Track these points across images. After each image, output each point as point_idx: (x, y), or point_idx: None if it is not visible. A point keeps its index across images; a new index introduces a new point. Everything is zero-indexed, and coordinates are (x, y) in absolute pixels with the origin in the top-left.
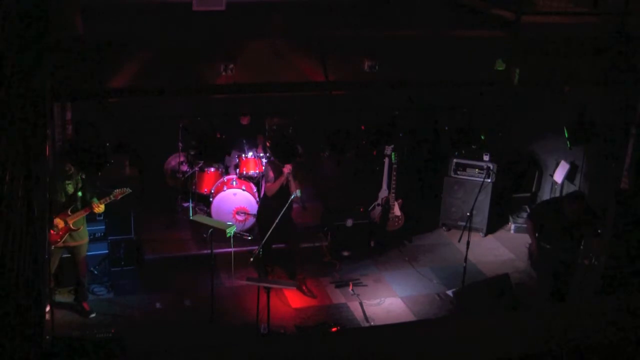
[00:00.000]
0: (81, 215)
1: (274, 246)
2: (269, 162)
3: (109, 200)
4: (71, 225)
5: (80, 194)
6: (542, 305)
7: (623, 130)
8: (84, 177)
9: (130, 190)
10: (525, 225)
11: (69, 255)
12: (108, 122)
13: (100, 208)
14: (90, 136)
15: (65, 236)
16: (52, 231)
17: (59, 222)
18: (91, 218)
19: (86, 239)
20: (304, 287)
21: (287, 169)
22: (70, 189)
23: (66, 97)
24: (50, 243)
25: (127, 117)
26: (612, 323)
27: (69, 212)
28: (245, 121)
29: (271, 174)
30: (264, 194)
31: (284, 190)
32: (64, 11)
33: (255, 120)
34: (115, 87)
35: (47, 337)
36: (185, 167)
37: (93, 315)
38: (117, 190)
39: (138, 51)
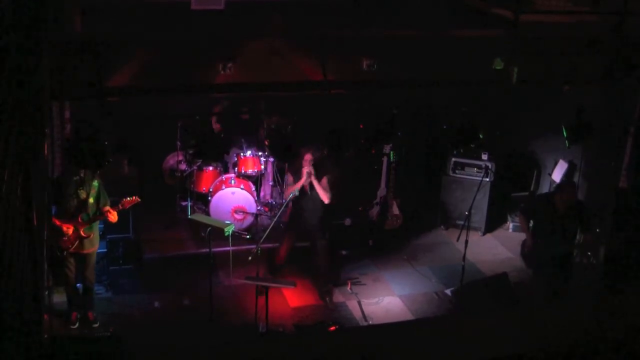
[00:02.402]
0: (91, 222)
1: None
2: (288, 169)
3: (117, 210)
4: (82, 232)
5: (92, 200)
6: (541, 304)
7: (622, 129)
8: (97, 184)
9: (139, 200)
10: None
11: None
12: (107, 122)
13: (114, 216)
14: (89, 135)
15: (76, 243)
16: (63, 238)
17: (69, 228)
18: None
19: (97, 246)
20: (327, 298)
21: (307, 167)
22: (82, 194)
23: (65, 97)
24: (62, 249)
25: (126, 117)
26: (611, 322)
27: (80, 219)
28: (244, 117)
29: (290, 179)
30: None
31: (309, 191)
32: (63, 10)
33: (255, 115)
34: (114, 86)
35: (46, 336)
36: (183, 166)
37: (96, 325)
38: (125, 199)
39: (137, 50)
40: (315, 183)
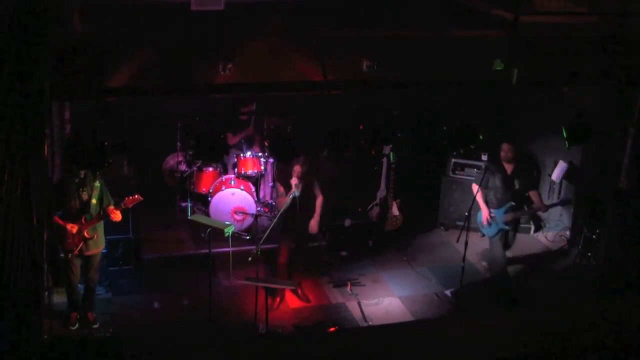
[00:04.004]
0: (94, 223)
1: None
2: (277, 180)
3: (119, 209)
4: (85, 234)
5: (94, 201)
6: (540, 305)
7: (621, 130)
8: (99, 184)
9: (142, 198)
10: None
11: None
12: (106, 122)
13: (117, 215)
14: (89, 135)
15: (81, 244)
16: (67, 240)
17: (73, 230)
18: None
19: (102, 247)
20: (299, 291)
21: (294, 180)
22: (84, 196)
23: (65, 97)
24: (67, 251)
25: (126, 117)
26: (611, 323)
27: (83, 221)
28: (247, 109)
29: (281, 189)
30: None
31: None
32: (62, 10)
33: (255, 112)
34: (113, 86)
35: (45, 336)
36: (183, 167)
37: (96, 326)
38: (128, 198)
39: (136, 51)
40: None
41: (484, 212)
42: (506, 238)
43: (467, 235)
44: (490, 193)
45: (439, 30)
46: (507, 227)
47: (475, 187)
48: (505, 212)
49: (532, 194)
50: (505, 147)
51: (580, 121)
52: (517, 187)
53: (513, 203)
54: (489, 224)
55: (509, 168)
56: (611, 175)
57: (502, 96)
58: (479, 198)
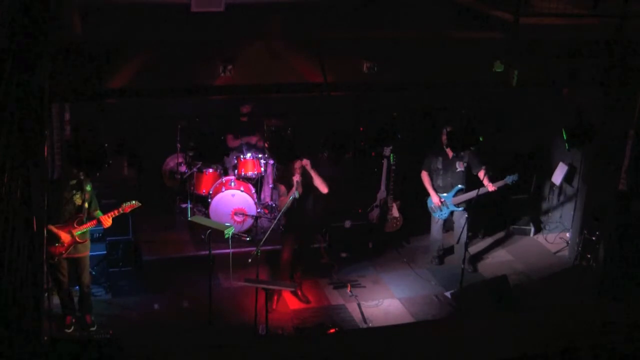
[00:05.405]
0: (88, 227)
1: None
2: (278, 180)
3: (117, 214)
4: (77, 238)
5: (87, 205)
6: (540, 306)
7: (621, 132)
8: (90, 188)
9: (140, 204)
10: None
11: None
12: (106, 123)
13: (108, 222)
14: (89, 137)
15: (70, 248)
16: (56, 244)
17: (65, 234)
18: None
19: (89, 249)
20: (299, 292)
21: (297, 177)
22: (78, 200)
23: (65, 98)
24: (54, 255)
25: (126, 118)
26: (611, 323)
27: (75, 224)
28: (246, 109)
29: (282, 189)
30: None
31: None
32: (62, 11)
33: (255, 113)
34: (113, 87)
35: (45, 338)
36: (183, 168)
37: (94, 328)
38: (125, 204)
39: (137, 52)
40: (314, 174)
41: (434, 198)
42: (459, 219)
43: (466, 237)
44: (433, 176)
45: (440, 32)
46: (458, 208)
47: (424, 174)
48: (454, 196)
49: (479, 174)
50: (446, 132)
51: (581, 123)
52: (458, 169)
53: (461, 186)
54: (440, 208)
55: (450, 152)
56: (611, 176)
57: (502, 98)
58: (427, 184)
